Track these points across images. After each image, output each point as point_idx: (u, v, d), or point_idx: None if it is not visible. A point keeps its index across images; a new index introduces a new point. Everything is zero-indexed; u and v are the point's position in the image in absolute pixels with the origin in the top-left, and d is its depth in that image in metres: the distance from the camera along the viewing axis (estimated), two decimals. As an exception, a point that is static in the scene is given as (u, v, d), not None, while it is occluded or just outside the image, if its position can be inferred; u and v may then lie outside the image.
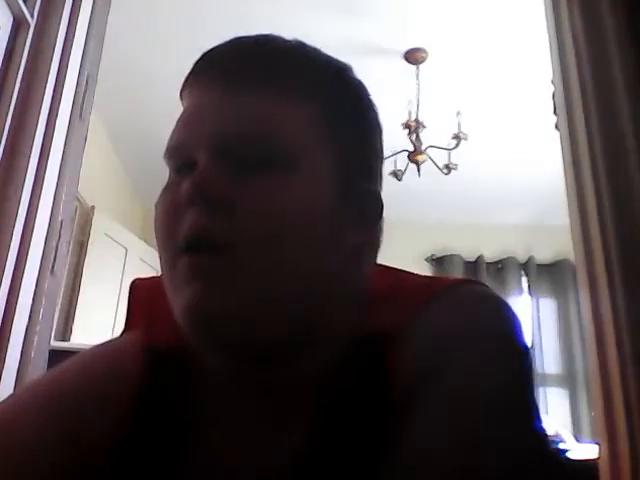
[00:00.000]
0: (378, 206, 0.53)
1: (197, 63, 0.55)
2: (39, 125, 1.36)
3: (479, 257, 4.71)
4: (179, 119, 0.52)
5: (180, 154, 0.50)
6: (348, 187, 0.50)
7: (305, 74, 0.51)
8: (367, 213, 0.52)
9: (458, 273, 4.59)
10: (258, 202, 0.45)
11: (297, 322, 0.47)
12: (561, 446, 1.95)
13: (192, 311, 0.45)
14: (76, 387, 0.53)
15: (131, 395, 0.51)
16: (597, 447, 1.19)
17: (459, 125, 3.06)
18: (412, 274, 0.56)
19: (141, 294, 0.59)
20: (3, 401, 0.54)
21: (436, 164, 3.17)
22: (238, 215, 0.45)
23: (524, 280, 4.73)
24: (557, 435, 2.10)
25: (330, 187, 0.49)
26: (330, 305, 0.49)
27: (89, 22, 1.59)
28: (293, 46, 0.53)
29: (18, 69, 1.35)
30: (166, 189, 0.50)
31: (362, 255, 0.51)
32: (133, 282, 0.61)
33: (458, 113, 3.07)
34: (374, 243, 0.53)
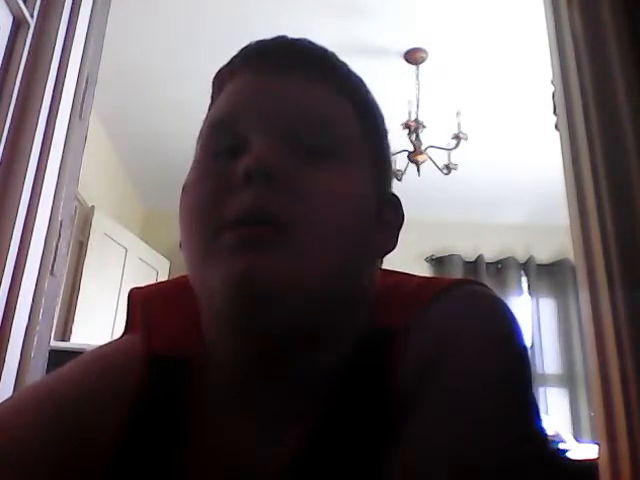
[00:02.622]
0: (400, 215, 0.55)
1: (244, 51, 0.54)
2: (39, 125, 1.36)
3: (479, 257, 4.71)
4: (225, 98, 0.51)
5: (229, 132, 0.49)
6: (381, 191, 0.53)
7: (343, 74, 0.53)
8: (391, 221, 0.54)
9: (458, 273, 4.59)
10: (323, 185, 0.46)
11: (328, 312, 0.47)
12: (561, 446, 1.95)
13: (240, 280, 0.43)
14: (78, 386, 0.53)
15: (132, 396, 0.51)
16: (597, 447, 1.19)
17: (459, 125, 3.06)
18: (411, 275, 0.56)
19: (139, 302, 0.59)
20: (4, 401, 0.54)
21: (436, 164, 3.17)
22: (303, 196, 0.45)
23: (524, 280, 4.73)
24: (557, 435, 2.10)
25: (371, 185, 0.51)
26: (352, 302, 0.50)
27: (89, 22, 1.59)
28: (326, 49, 0.55)
29: (18, 69, 1.35)
30: (203, 171, 0.49)
31: (379, 259, 0.54)
32: (130, 291, 0.60)
33: (458, 113, 3.07)
34: (389, 250, 0.54)
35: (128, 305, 0.60)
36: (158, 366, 0.52)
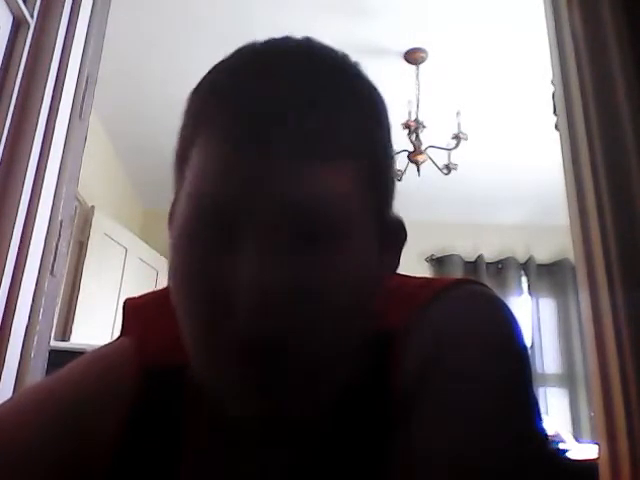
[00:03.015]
0: (403, 236, 0.53)
1: (225, 82, 0.46)
2: (39, 125, 1.36)
3: (479, 257, 4.71)
4: (210, 168, 0.43)
5: (219, 220, 0.43)
6: (382, 220, 0.49)
7: (347, 118, 0.45)
8: (394, 244, 0.52)
9: (458, 273, 4.58)
10: (325, 277, 0.42)
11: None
12: (561, 446, 1.95)
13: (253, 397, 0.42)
14: (78, 387, 0.53)
15: (131, 397, 0.51)
16: (597, 447, 1.19)
17: (459, 125, 3.06)
18: (411, 276, 0.56)
19: (132, 312, 0.59)
20: (4, 402, 0.54)
21: (436, 164, 3.17)
22: (304, 306, 0.42)
23: (524, 280, 4.73)
24: (557, 435, 2.10)
25: (372, 234, 0.47)
26: (359, 331, 0.48)
27: (89, 22, 1.59)
28: (335, 67, 0.47)
29: (18, 69, 1.35)
30: (192, 261, 0.44)
31: (386, 276, 0.51)
32: (125, 301, 0.60)
33: (458, 113, 3.07)
34: (394, 271, 0.53)
35: (123, 315, 0.60)
36: (152, 376, 0.52)
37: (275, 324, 0.41)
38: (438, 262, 4.70)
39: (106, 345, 0.58)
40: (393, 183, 0.52)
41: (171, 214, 0.50)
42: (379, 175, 0.49)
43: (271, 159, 0.42)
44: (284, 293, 0.41)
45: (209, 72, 0.48)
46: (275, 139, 0.42)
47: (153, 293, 0.62)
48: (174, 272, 0.45)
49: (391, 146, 0.52)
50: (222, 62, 0.48)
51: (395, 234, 0.52)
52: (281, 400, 0.43)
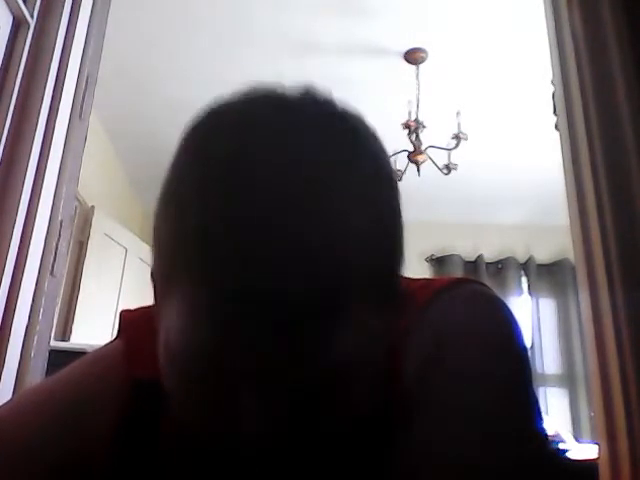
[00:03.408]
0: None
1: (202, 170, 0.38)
2: (39, 125, 1.36)
3: (479, 257, 4.71)
4: (185, 321, 0.37)
5: (216, 374, 0.38)
6: (391, 289, 0.45)
7: (358, 214, 0.38)
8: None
9: (458, 273, 4.58)
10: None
11: None
12: (561, 446, 1.95)
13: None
14: (77, 387, 0.53)
15: (119, 407, 0.52)
16: (597, 447, 1.19)
17: (459, 125, 3.06)
18: (409, 278, 0.56)
19: (126, 325, 0.59)
20: (4, 404, 0.54)
21: (436, 164, 3.17)
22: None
23: (524, 280, 4.73)
24: (557, 435, 2.10)
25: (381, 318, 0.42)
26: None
27: (89, 22, 1.59)
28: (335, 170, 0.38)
29: (18, 69, 1.35)
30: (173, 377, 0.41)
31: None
32: (121, 313, 0.60)
33: (458, 113, 3.07)
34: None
35: (118, 326, 0.60)
36: (138, 387, 0.52)
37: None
38: (438, 262, 4.70)
39: (105, 346, 0.59)
40: (402, 250, 0.45)
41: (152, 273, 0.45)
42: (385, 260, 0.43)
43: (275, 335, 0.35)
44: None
45: (192, 140, 0.41)
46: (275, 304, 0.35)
47: (148, 307, 0.60)
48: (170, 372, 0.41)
49: (398, 203, 0.45)
50: (200, 137, 0.41)
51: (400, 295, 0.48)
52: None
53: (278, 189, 0.35)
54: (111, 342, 0.59)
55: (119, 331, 0.60)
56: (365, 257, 0.38)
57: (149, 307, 0.61)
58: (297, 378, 0.37)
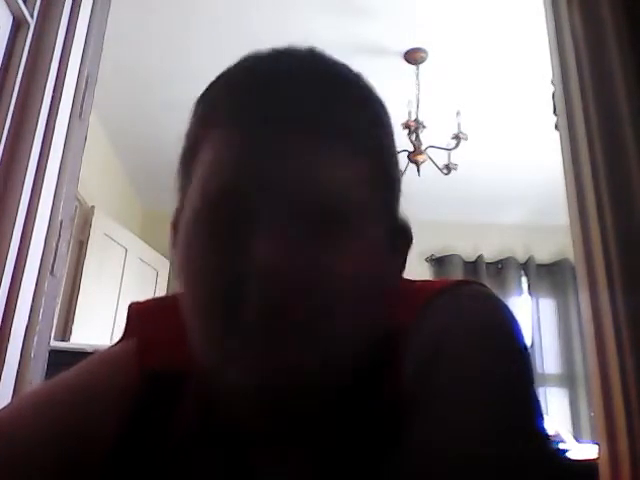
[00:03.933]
0: (410, 239, 0.54)
1: (235, 81, 0.47)
2: (39, 125, 1.36)
3: (479, 257, 4.71)
4: (222, 159, 0.44)
5: (231, 207, 0.43)
6: (392, 220, 0.51)
7: (362, 119, 0.47)
8: (403, 247, 0.53)
9: (458, 273, 4.58)
10: (339, 263, 0.43)
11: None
12: (561, 446, 1.95)
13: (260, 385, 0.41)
14: (78, 389, 0.53)
15: (131, 400, 0.51)
16: (597, 447, 1.19)
17: (459, 125, 3.06)
18: (410, 279, 0.56)
19: (136, 317, 0.59)
20: (4, 407, 0.54)
21: (436, 164, 3.17)
22: (319, 285, 0.42)
23: (524, 280, 4.73)
24: (557, 435, 2.10)
25: (383, 230, 0.48)
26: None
27: (89, 22, 1.59)
28: (341, 72, 0.48)
29: (18, 69, 1.35)
30: (203, 249, 0.44)
31: (391, 281, 0.52)
32: (130, 305, 0.60)
33: (458, 113, 3.07)
34: (401, 273, 0.53)
35: (127, 318, 0.60)
36: (151, 379, 0.52)
37: (291, 302, 0.41)
38: (438, 262, 4.70)
39: (110, 347, 0.58)
40: (400, 185, 0.53)
41: (175, 219, 0.50)
42: (387, 176, 0.50)
43: (288, 147, 0.43)
44: (300, 274, 0.41)
45: (216, 78, 0.49)
46: (291, 128, 0.43)
47: (157, 299, 0.62)
48: (186, 262, 0.45)
49: (396, 149, 0.54)
50: (229, 68, 0.49)
51: (403, 235, 0.53)
52: (285, 368, 0.42)
53: (299, 76, 0.46)
54: (117, 342, 0.59)
55: (128, 322, 0.59)
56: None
57: (158, 299, 0.62)
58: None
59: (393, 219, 0.51)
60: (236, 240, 0.43)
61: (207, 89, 0.49)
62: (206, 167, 0.45)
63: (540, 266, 4.71)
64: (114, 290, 3.67)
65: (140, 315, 0.59)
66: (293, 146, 0.43)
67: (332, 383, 0.45)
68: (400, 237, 0.53)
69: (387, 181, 0.50)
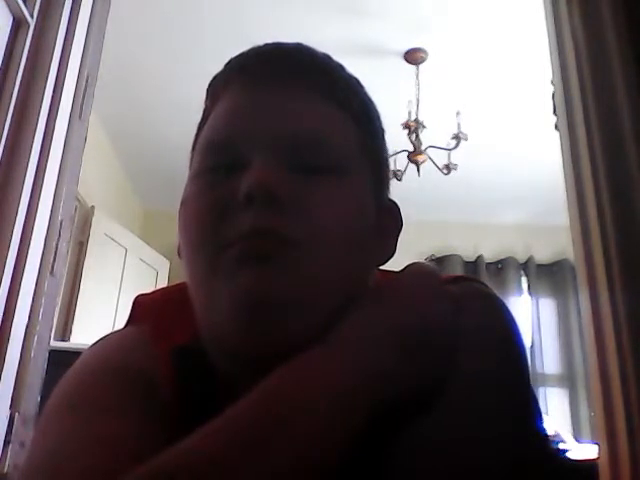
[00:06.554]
0: (399, 221, 0.56)
1: (239, 59, 0.53)
2: (39, 125, 1.36)
3: (479, 257, 4.71)
4: (222, 115, 0.51)
5: (229, 151, 0.48)
6: (380, 198, 0.53)
7: (342, 84, 0.53)
8: (390, 227, 0.55)
9: (458, 273, 4.58)
10: (324, 202, 0.46)
11: (330, 324, 0.46)
12: (561, 446, 1.95)
13: (245, 297, 0.43)
14: (119, 370, 0.50)
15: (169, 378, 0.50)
16: (597, 447, 1.19)
17: (459, 125, 3.06)
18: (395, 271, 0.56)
19: (148, 304, 0.59)
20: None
21: (436, 164, 3.17)
22: (304, 214, 0.45)
23: (524, 280, 4.73)
24: (557, 435, 2.10)
25: (371, 196, 0.51)
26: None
27: (89, 22, 1.59)
28: (325, 55, 0.54)
29: (18, 69, 1.35)
30: (202, 187, 0.49)
31: (378, 265, 0.54)
32: (136, 297, 0.60)
33: (458, 113, 3.07)
34: (389, 257, 0.55)
35: (132, 307, 0.59)
36: (185, 353, 0.51)
37: (278, 223, 0.44)
38: (438, 262, 4.69)
39: (115, 333, 0.56)
40: (387, 167, 0.57)
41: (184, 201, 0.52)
42: (375, 147, 0.54)
43: (283, 97, 0.49)
44: (287, 196, 0.45)
45: (225, 65, 0.54)
46: (289, 83, 0.50)
47: (162, 289, 0.64)
48: (187, 205, 0.49)
49: (383, 132, 0.57)
50: (234, 57, 0.54)
51: (392, 217, 0.55)
52: (276, 319, 0.44)
53: (290, 51, 0.53)
54: (122, 329, 0.58)
55: (134, 310, 0.59)
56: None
57: (165, 289, 0.63)
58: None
59: (379, 196, 0.53)
60: (230, 176, 0.47)
61: (219, 72, 0.54)
62: (214, 120, 0.51)
63: (540, 266, 4.70)
64: (114, 290, 3.66)
65: (148, 303, 0.59)
66: (286, 103, 0.49)
67: (315, 304, 0.45)
68: (390, 218, 0.54)
69: (374, 151, 0.54)
